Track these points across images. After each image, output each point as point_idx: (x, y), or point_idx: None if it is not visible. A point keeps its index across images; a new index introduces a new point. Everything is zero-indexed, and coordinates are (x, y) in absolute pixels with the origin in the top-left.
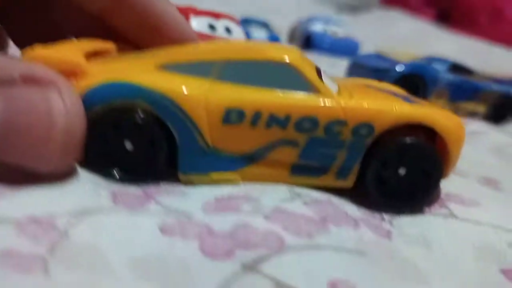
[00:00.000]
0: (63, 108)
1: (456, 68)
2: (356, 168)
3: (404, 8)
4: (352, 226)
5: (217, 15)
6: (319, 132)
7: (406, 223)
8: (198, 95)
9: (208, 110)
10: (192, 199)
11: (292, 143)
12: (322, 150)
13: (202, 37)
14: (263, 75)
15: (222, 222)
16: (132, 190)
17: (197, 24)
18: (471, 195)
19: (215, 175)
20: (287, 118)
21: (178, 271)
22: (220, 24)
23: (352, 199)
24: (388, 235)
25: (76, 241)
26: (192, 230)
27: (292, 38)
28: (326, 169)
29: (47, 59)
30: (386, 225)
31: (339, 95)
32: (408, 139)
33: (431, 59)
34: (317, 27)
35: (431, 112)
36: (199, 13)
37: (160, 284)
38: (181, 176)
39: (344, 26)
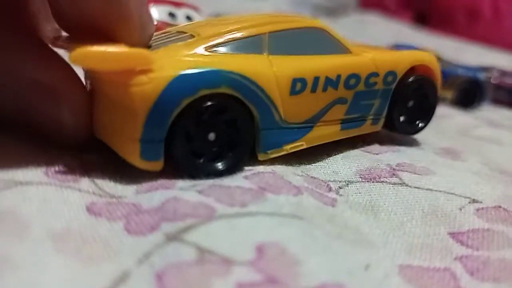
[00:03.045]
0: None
1: None
2: (385, 112)
3: (382, 10)
4: (293, 193)
5: (177, 4)
6: (361, 86)
7: (353, 192)
8: (269, 72)
9: (279, 85)
10: (128, 180)
11: (342, 100)
12: (363, 102)
13: (163, 25)
14: (304, 43)
15: (152, 199)
16: (68, 165)
17: (158, 12)
18: (426, 164)
19: (287, 147)
20: (338, 78)
21: (98, 248)
22: (181, 12)
23: (301, 169)
24: (332, 203)
25: None
26: (119, 211)
27: None
28: (365, 119)
29: (108, 56)
30: (332, 194)
31: (362, 52)
32: (421, 77)
33: (398, 46)
34: None
35: (425, 54)
36: (159, 2)
37: (79, 258)
38: (261, 156)
39: None
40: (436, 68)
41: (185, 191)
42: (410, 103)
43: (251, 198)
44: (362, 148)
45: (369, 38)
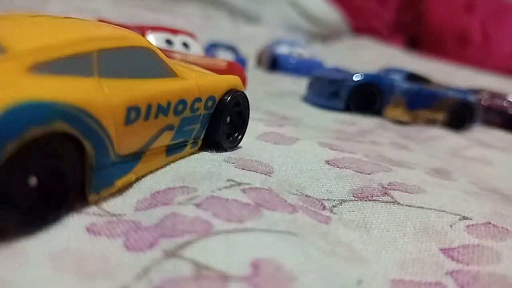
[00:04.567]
0: None
1: (413, 77)
2: (203, 135)
3: (374, 36)
4: (288, 211)
5: (174, 31)
6: (187, 112)
7: (347, 210)
8: (104, 101)
9: (114, 114)
10: (127, 197)
11: (170, 127)
12: (187, 127)
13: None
14: (134, 64)
15: (151, 216)
16: None
17: (155, 39)
18: (417, 184)
19: (119, 182)
20: (169, 104)
21: (97, 265)
22: (177, 39)
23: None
24: (326, 220)
25: None
26: (119, 228)
27: (260, 61)
28: (186, 143)
29: None
30: (326, 213)
31: (186, 75)
32: (238, 94)
33: (389, 70)
34: (282, 50)
35: (236, 78)
36: (156, 29)
37: (77, 275)
38: (92, 197)
39: (309, 48)
40: (242, 88)
41: (183, 206)
42: (227, 120)
43: (248, 214)
44: (355, 168)
45: (362, 62)
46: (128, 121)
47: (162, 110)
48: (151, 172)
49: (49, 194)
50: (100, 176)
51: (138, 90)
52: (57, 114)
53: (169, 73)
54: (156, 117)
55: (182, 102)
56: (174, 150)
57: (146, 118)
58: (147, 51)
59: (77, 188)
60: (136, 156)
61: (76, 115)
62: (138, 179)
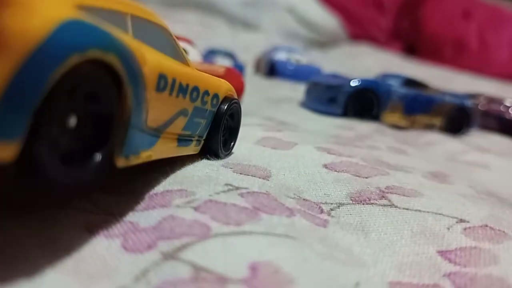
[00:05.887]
0: None
1: (410, 82)
2: (205, 135)
3: (372, 42)
4: (286, 215)
5: None
6: (199, 102)
7: (345, 213)
8: (144, 57)
9: (148, 75)
10: (125, 197)
11: (185, 113)
12: (196, 119)
13: None
14: (158, 39)
15: (149, 218)
16: None
17: None
18: (414, 187)
19: (143, 154)
20: (187, 86)
21: (96, 266)
22: None
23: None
24: (324, 224)
25: None
26: (117, 229)
27: (258, 67)
28: (192, 138)
29: None
30: (324, 216)
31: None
32: (235, 101)
33: (386, 76)
34: (280, 56)
35: (230, 84)
36: None
37: (76, 277)
38: (121, 160)
39: (307, 55)
40: (235, 94)
41: (181, 209)
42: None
43: (246, 217)
44: (353, 172)
45: (360, 69)
46: (158, 88)
47: (182, 90)
48: (157, 163)
49: (89, 139)
50: (131, 137)
51: (164, 61)
52: (113, 44)
53: (184, 60)
54: (177, 95)
55: (196, 89)
56: (183, 142)
57: (171, 92)
58: (169, 35)
59: (116, 138)
60: (156, 134)
61: (128, 53)
62: (135, 180)
